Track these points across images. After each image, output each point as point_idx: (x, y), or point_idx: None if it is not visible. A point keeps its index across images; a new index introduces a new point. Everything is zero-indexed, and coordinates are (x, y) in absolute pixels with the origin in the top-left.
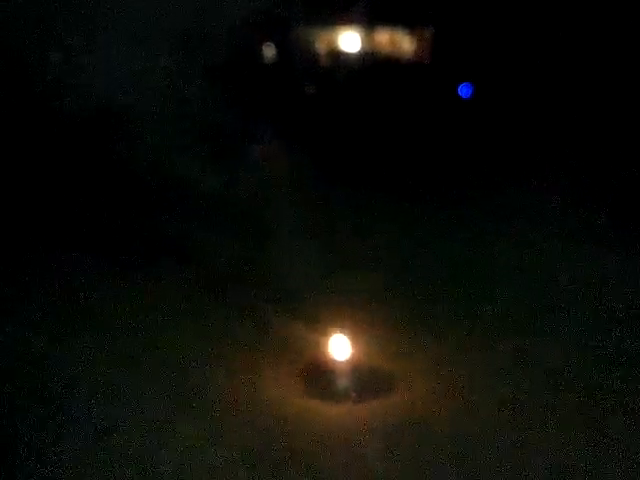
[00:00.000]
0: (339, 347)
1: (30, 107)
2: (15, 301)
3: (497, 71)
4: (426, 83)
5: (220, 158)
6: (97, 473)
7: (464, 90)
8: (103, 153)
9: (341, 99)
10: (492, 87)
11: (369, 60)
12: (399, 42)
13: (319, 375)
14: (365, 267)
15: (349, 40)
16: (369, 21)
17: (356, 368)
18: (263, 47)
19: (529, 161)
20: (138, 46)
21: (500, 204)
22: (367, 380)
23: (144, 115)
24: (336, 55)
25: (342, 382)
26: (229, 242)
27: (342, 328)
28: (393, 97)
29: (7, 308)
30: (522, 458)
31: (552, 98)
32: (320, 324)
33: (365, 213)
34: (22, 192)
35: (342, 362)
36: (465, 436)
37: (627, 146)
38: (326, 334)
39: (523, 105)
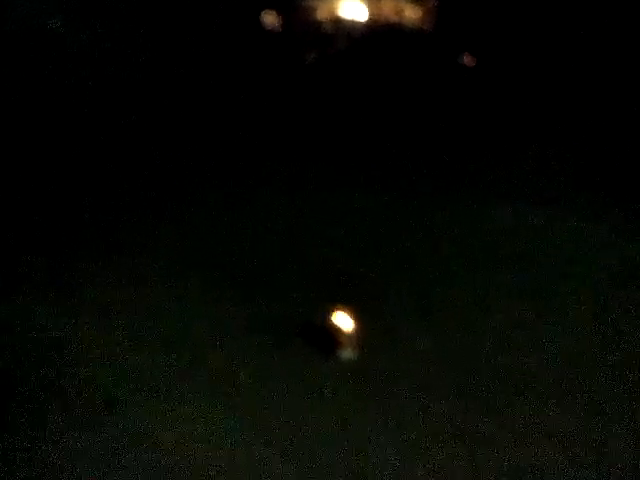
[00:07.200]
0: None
1: None
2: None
3: (503, 41)
4: (430, 52)
5: None
6: (99, 444)
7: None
8: None
9: (343, 68)
10: (497, 57)
11: (373, 28)
12: (404, 10)
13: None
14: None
15: (353, 8)
16: None
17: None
18: (263, 13)
19: (532, 135)
20: None
21: (500, 181)
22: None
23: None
24: (339, 23)
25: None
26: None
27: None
28: (396, 66)
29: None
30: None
31: (559, 68)
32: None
33: (355, 185)
34: None
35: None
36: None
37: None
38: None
39: (528, 76)
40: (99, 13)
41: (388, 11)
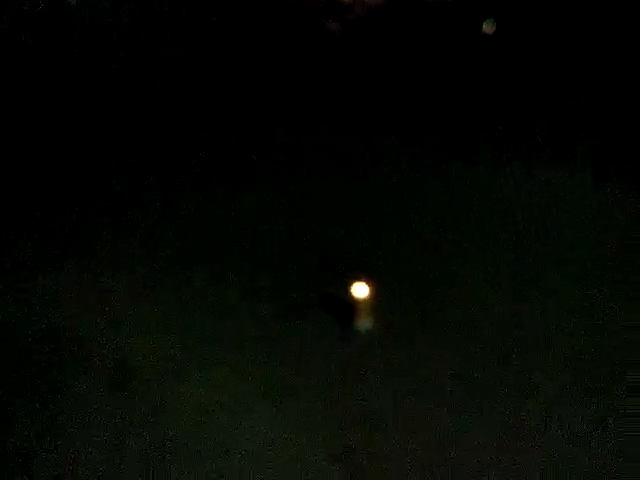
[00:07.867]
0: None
1: None
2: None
3: (521, 8)
4: (449, 20)
5: None
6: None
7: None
8: None
9: (360, 36)
10: (516, 24)
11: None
12: None
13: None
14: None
15: None
16: None
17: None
18: None
19: (552, 100)
20: None
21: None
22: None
23: None
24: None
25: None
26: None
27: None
28: (415, 34)
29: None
30: None
31: (573, 37)
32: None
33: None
34: None
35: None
36: None
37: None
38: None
39: (548, 43)
40: None
41: None
